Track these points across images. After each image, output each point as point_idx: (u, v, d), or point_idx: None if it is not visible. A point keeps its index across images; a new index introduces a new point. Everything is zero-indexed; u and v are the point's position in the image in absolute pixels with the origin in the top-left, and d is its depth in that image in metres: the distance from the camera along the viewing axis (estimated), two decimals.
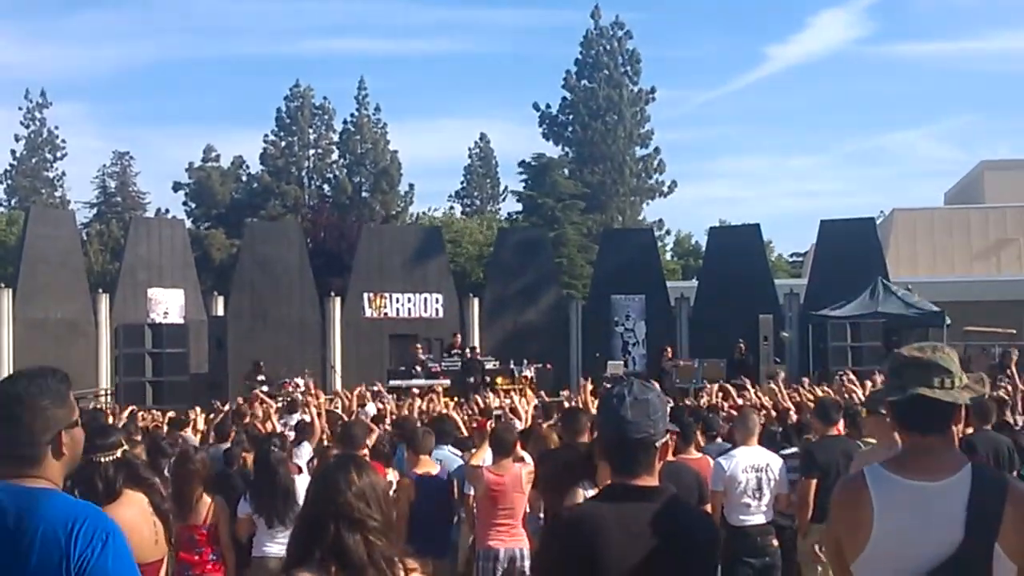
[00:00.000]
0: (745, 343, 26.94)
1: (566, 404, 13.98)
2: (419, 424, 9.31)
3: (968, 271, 44.18)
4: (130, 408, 15.33)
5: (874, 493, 3.30)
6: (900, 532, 3.24)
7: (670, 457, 7.32)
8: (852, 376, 14.23)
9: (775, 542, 8.85)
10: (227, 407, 16.69)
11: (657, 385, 3.79)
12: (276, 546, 7.92)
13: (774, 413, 13.25)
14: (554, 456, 8.39)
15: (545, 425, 11.17)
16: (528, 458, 8.77)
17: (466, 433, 11.32)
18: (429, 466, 8.83)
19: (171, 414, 15.75)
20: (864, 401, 9.42)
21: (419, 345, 27.01)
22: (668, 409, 3.70)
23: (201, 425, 13.16)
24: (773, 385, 15.46)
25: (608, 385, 4.20)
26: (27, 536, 2.97)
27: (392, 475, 9.62)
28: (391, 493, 9.51)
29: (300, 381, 23.57)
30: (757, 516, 8.68)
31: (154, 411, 18.19)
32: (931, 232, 47.21)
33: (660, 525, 3.39)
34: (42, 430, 3.15)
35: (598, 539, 3.36)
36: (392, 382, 24.53)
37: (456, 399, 16.53)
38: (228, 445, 10.72)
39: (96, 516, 3.10)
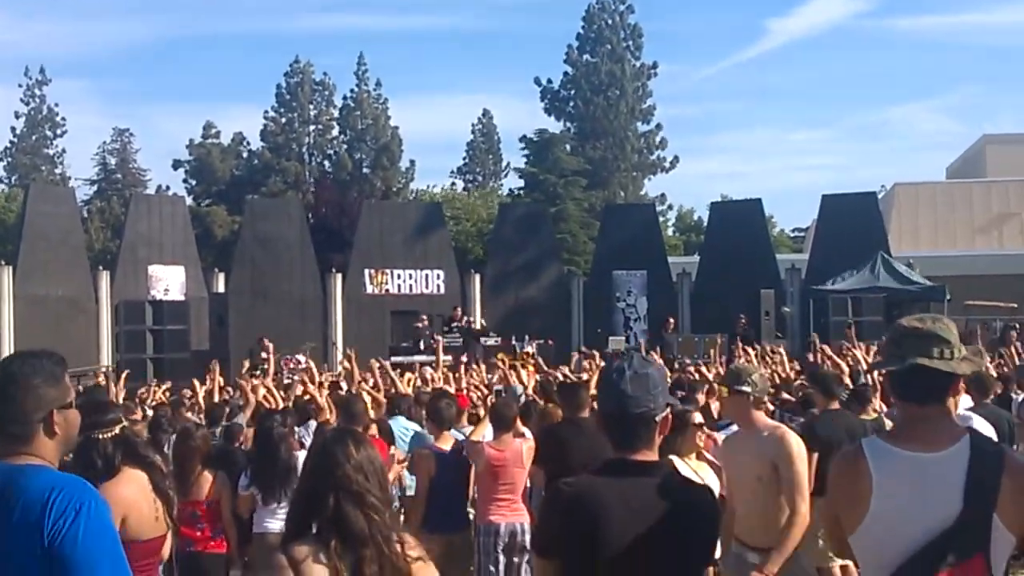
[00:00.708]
0: (747, 317, 26.91)
1: (561, 378, 13.99)
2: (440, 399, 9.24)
3: (970, 245, 44.14)
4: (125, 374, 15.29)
5: (872, 465, 3.29)
6: (898, 503, 3.23)
7: None
8: (851, 339, 14.28)
9: None
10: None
11: (658, 357, 3.78)
12: (277, 522, 7.93)
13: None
14: (555, 431, 8.40)
15: (544, 401, 11.18)
16: (528, 434, 8.77)
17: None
18: (448, 441, 8.82)
19: (167, 388, 15.76)
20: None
21: (424, 317, 27.00)
22: (668, 383, 3.69)
23: (202, 397, 13.15)
24: (775, 354, 15.42)
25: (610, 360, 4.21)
26: (9, 511, 2.99)
27: (394, 451, 9.64)
28: (404, 467, 9.56)
29: (301, 358, 23.58)
30: None
31: (154, 387, 18.09)
32: (933, 206, 47.13)
33: (660, 500, 3.39)
34: (33, 408, 3.18)
35: (598, 513, 3.35)
36: (394, 358, 24.52)
37: (453, 371, 16.44)
38: (228, 423, 10.72)
39: (74, 487, 3.10)
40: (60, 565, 2.95)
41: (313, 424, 11.15)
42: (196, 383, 13.77)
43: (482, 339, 26.74)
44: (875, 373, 10.68)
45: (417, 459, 8.83)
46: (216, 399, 12.83)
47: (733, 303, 27.31)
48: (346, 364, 15.99)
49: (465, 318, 28.44)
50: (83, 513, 3.00)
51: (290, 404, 11.45)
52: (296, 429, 10.82)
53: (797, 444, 6.23)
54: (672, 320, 28.57)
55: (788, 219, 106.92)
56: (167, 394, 16.65)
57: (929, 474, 3.24)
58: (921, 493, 3.22)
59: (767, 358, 16.05)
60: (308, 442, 10.67)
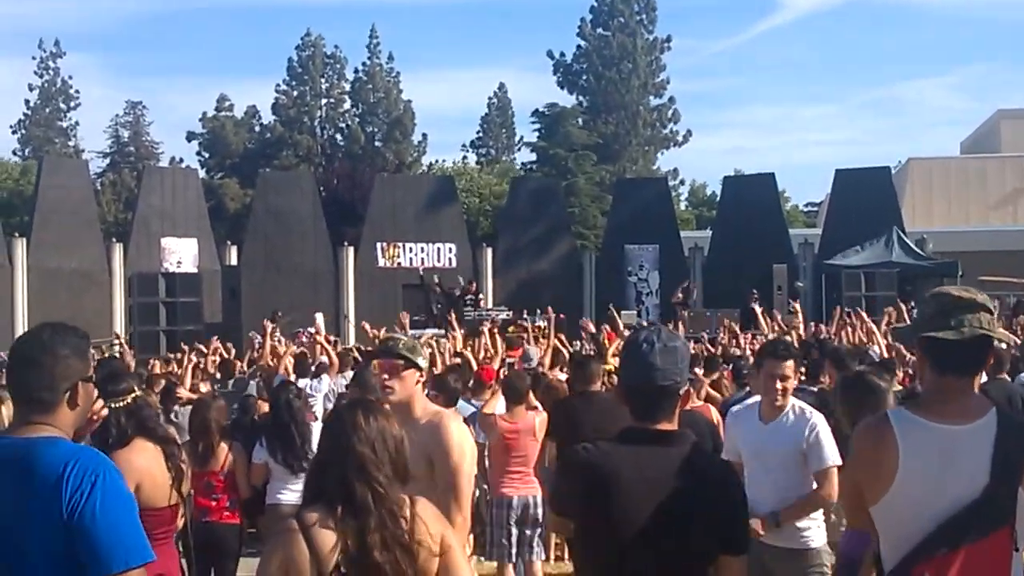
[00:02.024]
0: (757, 292, 26.84)
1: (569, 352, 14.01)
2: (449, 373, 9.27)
3: (984, 221, 43.99)
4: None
5: (899, 435, 3.25)
6: (925, 475, 3.21)
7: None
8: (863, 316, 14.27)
9: None
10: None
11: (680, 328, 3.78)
12: (290, 494, 7.93)
13: None
14: (564, 404, 8.41)
15: (554, 374, 11.19)
16: (541, 407, 8.78)
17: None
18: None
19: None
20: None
21: (436, 277, 26.91)
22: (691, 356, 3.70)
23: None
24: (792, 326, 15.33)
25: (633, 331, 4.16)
26: (29, 484, 3.03)
27: None
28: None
29: (312, 329, 23.62)
30: None
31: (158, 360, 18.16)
32: (947, 182, 46.97)
33: (677, 470, 3.39)
34: (62, 377, 3.23)
35: (610, 478, 3.36)
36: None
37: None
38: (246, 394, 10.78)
39: (89, 457, 3.14)
40: (80, 536, 2.98)
41: (326, 380, 11.23)
42: (213, 346, 13.75)
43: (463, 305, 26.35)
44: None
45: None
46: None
47: (745, 278, 27.25)
48: (373, 331, 16.11)
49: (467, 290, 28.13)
50: (99, 484, 3.03)
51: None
52: (309, 382, 10.93)
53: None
54: (688, 284, 28.41)
55: (801, 194, 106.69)
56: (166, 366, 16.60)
57: (957, 447, 3.22)
58: (948, 466, 3.20)
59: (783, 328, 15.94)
60: (319, 396, 10.80)
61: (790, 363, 5.91)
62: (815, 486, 5.81)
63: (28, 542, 3.01)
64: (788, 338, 10.24)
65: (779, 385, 5.85)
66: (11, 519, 3.02)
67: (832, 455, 5.76)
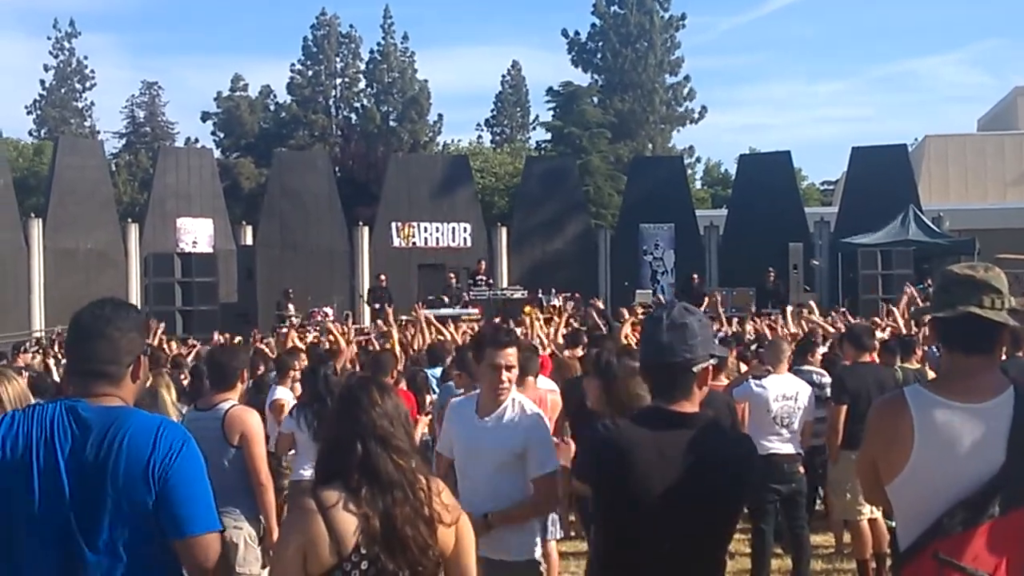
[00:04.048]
0: (775, 271, 26.75)
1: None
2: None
3: (1001, 198, 43.74)
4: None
5: (915, 413, 3.23)
6: (942, 454, 3.19)
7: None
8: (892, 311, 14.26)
9: (801, 470, 8.85)
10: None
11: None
12: (313, 471, 7.90)
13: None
14: (577, 384, 8.38)
15: (568, 353, 11.18)
16: (555, 386, 8.75)
17: None
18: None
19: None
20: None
21: (452, 274, 26.96)
22: (712, 334, 3.66)
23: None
24: (810, 314, 15.29)
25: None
26: (115, 447, 3.19)
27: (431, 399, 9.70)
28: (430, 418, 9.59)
29: (328, 310, 23.69)
30: (786, 445, 8.63)
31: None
32: (964, 159, 46.70)
33: (694, 451, 3.39)
34: (128, 351, 3.40)
35: (626, 459, 3.36)
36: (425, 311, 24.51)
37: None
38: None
39: (173, 426, 3.38)
40: (165, 498, 3.19)
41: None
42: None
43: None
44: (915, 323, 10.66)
45: (446, 411, 8.83)
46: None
47: (761, 257, 27.13)
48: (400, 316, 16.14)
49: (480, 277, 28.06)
50: (184, 451, 3.26)
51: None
52: None
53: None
54: (696, 277, 28.38)
55: (817, 172, 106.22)
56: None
57: (973, 425, 3.19)
58: (964, 444, 3.17)
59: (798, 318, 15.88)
60: None
61: (512, 351, 5.29)
62: (532, 491, 5.25)
63: (109, 501, 3.17)
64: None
65: (504, 376, 5.24)
66: (95, 479, 3.18)
67: (552, 460, 5.27)
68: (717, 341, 11.32)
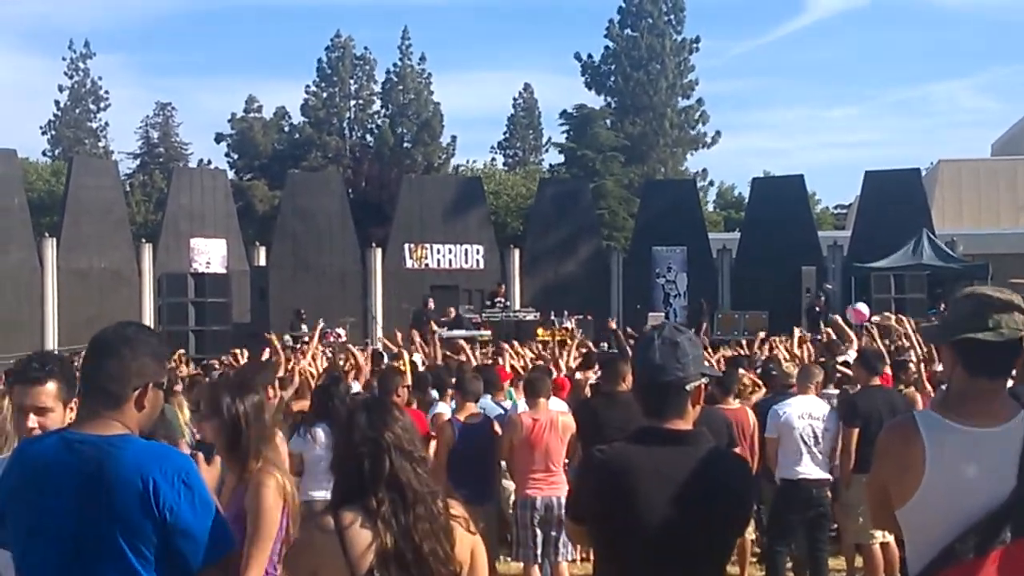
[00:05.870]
0: (824, 294, 26.73)
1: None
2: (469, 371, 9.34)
3: (1015, 223, 43.63)
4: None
5: (926, 437, 3.20)
6: (953, 478, 3.15)
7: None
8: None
9: (829, 494, 8.85)
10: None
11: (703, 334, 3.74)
12: (323, 492, 7.85)
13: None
14: (588, 404, 8.39)
15: (580, 375, 11.19)
16: (567, 408, 8.76)
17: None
18: (468, 411, 8.80)
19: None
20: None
21: (451, 309, 26.88)
22: (702, 353, 3.65)
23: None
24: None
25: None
26: (107, 482, 3.10)
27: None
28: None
29: (341, 332, 23.69)
30: (816, 469, 8.68)
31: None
32: (977, 183, 46.64)
33: (692, 469, 3.38)
34: (136, 374, 3.27)
35: (626, 479, 3.36)
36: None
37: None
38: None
39: (175, 456, 3.27)
40: (177, 533, 3.12)
41: (355, 386, 11.28)
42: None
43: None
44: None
45: (436, 428, 8.85)
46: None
47: (774, 280, 27.14)
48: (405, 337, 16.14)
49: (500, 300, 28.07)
50: (189, 482, 3.16)
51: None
52: None
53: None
54: (704, 302, 28.32)
55: (831, 195, 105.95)
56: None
57: (984, 449, 3.16)
58: (976, 468, 3.14)
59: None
60: None
61: (51, 387, 3.86)
62: None
63: (115, 539, 3.08)
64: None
65: (32, 420, 3.82)
66: (95, 520, 3.10)
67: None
68: (734, 364, 11.40)
